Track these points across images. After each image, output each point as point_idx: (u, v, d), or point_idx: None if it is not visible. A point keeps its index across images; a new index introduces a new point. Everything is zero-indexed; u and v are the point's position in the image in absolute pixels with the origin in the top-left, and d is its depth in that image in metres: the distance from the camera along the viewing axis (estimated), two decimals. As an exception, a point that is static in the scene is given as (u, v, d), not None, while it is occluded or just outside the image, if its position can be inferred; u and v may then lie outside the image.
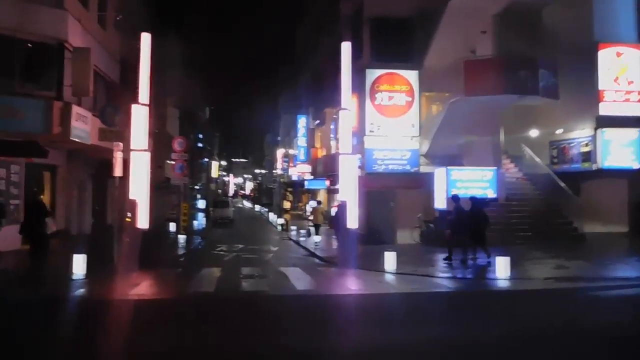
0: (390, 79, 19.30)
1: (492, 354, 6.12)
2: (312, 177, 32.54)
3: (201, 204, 32.61)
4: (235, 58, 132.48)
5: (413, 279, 11.85)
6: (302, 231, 23.24)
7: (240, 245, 20.73)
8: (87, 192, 19.36)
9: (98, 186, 19.77)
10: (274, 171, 55.60)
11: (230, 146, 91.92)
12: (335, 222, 19.58)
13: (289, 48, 58.87)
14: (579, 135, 19.86)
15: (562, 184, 19.16)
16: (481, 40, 18.83)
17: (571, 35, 18.90)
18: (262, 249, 19.88)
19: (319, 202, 26.81)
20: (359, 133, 18.89)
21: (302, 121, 35.00)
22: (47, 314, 7.89)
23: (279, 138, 54.32)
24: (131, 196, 12.83)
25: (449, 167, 17.73)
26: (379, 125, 19.16)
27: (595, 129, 18.99)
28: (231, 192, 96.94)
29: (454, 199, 14.48)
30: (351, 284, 11.42)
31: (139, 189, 12.85)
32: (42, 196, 14.30)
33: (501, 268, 11.66)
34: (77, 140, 13.99)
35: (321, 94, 28.21)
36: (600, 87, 18.88)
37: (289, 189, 45.11)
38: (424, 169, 19.33)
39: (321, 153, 30.44)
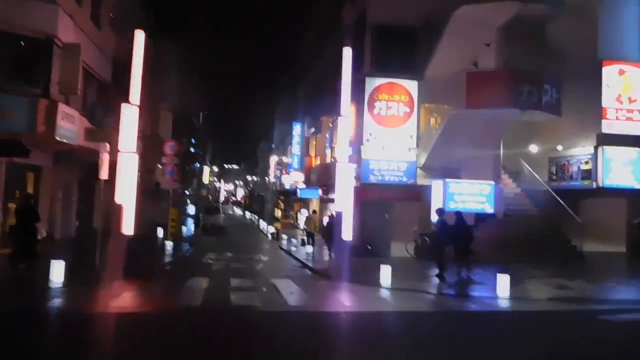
0: (390, 89, 18.98)
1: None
2: (305, 186, 32.11)
3: (191, 209, 31.99)
4: (233, 64, 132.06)
5: (411, 296, 11.37)
6: (294, 240, 22.68)
7: (230, 254, 20.22)
8: (74, 196, 18.68)
9: (85, 189, 19.10)
10: (266, 178, 55.10)
11: (223, 152, 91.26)
12: (328, 233, 19.21)
13: (288, 55, 58.68)
14: (580, 152, 19.53)
15: (562, 202, 18.81)
16: (484, 53, 18.56)
17: (575, 51, 18.63)
18: (253, 259, 19.38)
19: (313, 212, 26.32)
20: (356, 142, 18.51)
21: (297, 129, 34.53)
22: (10, 328, 7.12)
23: (273, 145, 53.85)
24: (117, 200, 12.27)
25: (447, 180, 17.39)
26: (376, 135, 18.81)
27: (596, 147, 18.67)
28: (222, 198, 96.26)
29: (438, 212, 14.31)
30: (346, 300, 10.85)
31: (126, 193, 12.30)
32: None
33: (501, 287, 11.22)
34: (63, 140, 13.36)
35: (318, 102, 27.85)
36: (602, 105, 18.58)
37: (281, 197, 44.60)
38: (420, 181, 19.01)
39: (315, 162, 29.99)
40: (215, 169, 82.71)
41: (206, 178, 52.88)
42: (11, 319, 7.67)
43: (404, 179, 18.82)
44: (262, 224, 38.59)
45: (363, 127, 18.74)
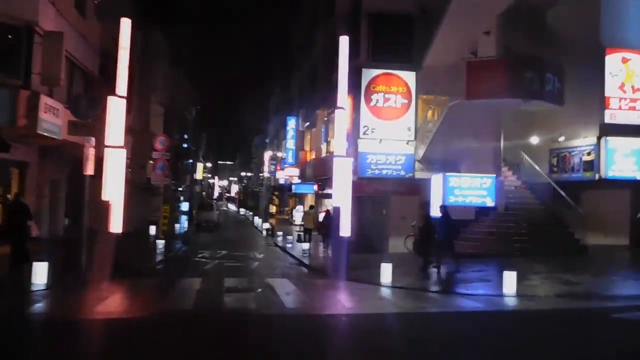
0: (387, 80, 18.49)
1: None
2: (300, 181, 31.55)
3: (185, 206, 31.41)
4: (226, 57, 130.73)
5: (414, 295, 10.87)
6: (289, 237, 22.17)
7: (224, 252, 19.70)
8: (61, 192, 18.02)
9: (73, 186, 18.42)
10: (260, 174, 54.46)
11: (217, 148, 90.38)
12: (324, 228, 18.72)
13: (282, 48, 57.90)
14: (581, 143, 19.02)
15: (564, 194, 18.36)
16: (483, 42, 18.02)
17: (577, 38, 18.05)
18: (248, 256, 18.92)
19: (311, 207, 25.79)
20: (353, 135, 17.97)
21: (291, 123, 33.93)
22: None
23: (267, 140, 53.19)
24: (105, 197, 11.67)
25: (447, 174, 16.92)
26: (373, 127, 18.30)
27: (599, 137, 18.18)
28: (216, 194, 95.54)
29: (424, 206, 14.33)
30: (347, 301, 10.25)
31: (114, 190, 11.70)
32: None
33: (508, 284, 10.76)
34: (46, 134, 12.69)
35: (313, 95, 27.28)
36: (605, 94, 18.08)
37: (276, 193, 44.01)
38: (418, 174, 18.61)
39: (310, 156, 29.42)
40: (209, 165, 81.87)
41: (200, 174, 52.08)
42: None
43: (402, 173, 18.46)
44: (257, 220, 38.06)
45: (360, 119, 18.26)
